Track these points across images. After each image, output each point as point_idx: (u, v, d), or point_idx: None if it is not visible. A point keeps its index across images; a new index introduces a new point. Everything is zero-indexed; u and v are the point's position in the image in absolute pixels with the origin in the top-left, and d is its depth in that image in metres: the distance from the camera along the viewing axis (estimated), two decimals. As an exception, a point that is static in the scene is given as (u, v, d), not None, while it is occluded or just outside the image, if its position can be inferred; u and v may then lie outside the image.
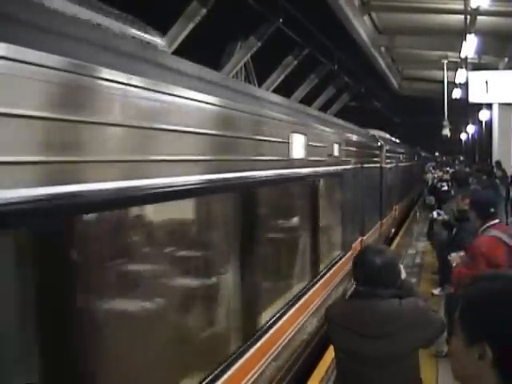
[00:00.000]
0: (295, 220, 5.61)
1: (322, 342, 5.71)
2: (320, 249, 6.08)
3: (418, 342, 2.94)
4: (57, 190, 1.96)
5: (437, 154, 60.85)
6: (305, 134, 5.37)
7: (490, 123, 19.16)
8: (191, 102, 3.02)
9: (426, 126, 44.58)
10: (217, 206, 3.58)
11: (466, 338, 1.35)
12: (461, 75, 16.42)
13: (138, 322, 2.64)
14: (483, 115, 21.39)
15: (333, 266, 6.74)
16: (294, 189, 5.44)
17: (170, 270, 2.98)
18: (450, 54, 17.30)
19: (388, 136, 16.12)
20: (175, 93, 2.84)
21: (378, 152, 11.68)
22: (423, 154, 36.30)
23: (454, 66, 17.29)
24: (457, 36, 13.47)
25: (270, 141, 4.36)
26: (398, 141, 20.13)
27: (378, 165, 11.66)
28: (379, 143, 12.11)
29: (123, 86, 2.37)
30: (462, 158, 43.87)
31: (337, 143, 7.01)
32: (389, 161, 13.38)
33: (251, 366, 3.77)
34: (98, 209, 2.26)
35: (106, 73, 2.25)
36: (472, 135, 36.37)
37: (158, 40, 3.62)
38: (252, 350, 3.78)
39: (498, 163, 12.59)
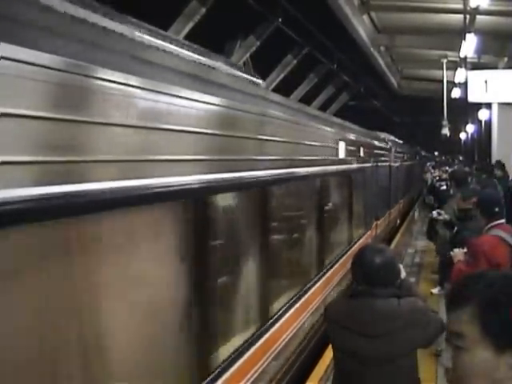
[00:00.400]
0: (341, 202, 7.94)
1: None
2: (354, 225, 8.61)
3: (416, 342, 2.94)
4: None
5: (436, 153, 60.75)
6: (345, 141, 7.55)
7: (489, 123, 19.13)
8: (300, 126, 5.41)
9: (425, 125, 44.45)
10: (311, 187, 5.98)
11: (496, 343, 1.20)
12: (460, 75, 16.37)
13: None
14: (482, 115, 21.32)
15: (360, 238, 9.17)
16: (341, 180, 7.74)
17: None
18: (449, 53, 17.27)
19: (393, 137, 17.53)
20: (300, 122, 5.47)
21: (387, 152, 13.38)
22: (423, 154, 36.53)
23: (454, 66, 17.24)
24: (456, 35, 13.42)
25: (330, 147, 6.75)
26: (401, 142, 21.50)
27: (387, 163, 13.40)
28: (388, 145, 13.88)
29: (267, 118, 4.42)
30: (461, 157, 43.75)
31: (362, 146, 9.14)
32: (395, 160, 15.11)
33: (329, 280, 6.63)
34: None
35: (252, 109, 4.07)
36: (471, 135, 36.32)
37: (259, 81, 5.35)
38: (329, 272, 6.63)
39: (499, 163, 12.51)
